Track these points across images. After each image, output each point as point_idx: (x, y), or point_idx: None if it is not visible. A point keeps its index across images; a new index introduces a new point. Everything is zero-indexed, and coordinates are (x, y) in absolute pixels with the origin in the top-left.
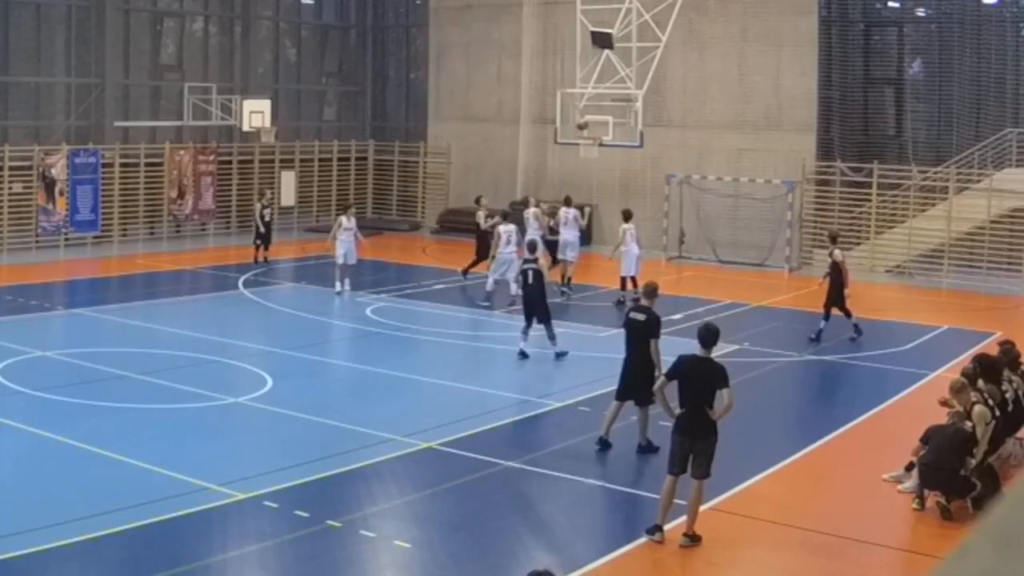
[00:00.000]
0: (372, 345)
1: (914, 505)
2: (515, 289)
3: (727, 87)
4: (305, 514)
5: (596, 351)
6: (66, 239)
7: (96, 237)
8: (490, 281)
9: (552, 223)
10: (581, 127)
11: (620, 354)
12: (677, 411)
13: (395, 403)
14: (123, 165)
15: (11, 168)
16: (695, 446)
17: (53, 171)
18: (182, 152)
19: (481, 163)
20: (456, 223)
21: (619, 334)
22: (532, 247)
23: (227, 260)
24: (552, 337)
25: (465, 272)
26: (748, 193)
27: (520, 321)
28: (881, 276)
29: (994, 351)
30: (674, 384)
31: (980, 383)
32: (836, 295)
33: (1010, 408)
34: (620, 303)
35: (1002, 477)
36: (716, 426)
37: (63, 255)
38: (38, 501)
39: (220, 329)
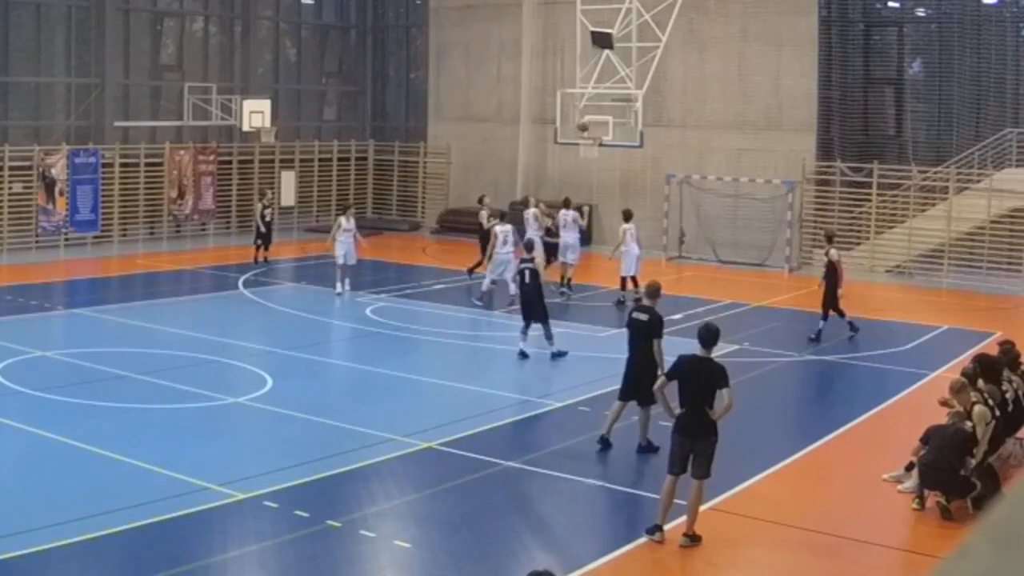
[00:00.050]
0: (372, 345)
1: (914, 505)
2: (513, 289)
3: (727, 87)
4: (305, 514)
5: (596, 351)
6: (66, 239)
7: (96, 237)
8: (487, 281)
9: (552, 224)
10: (582, 128)
11: (620, 354)
12: (677, 411)
13: (395, 403)
14: (123, 165)
15: (11, 168)
16: (695, 446)
17: (53, 171)
18: (182, 152)
19: (481, 163)
20: (456, 223)
21: (619, 334)
22: (529, 246)
23: (227, 260)
24: (549, 337)
25: (471, 272)
26: (748, 193)
27: (519, 321)
28: (881, 276)
29: (994, 351)
30: (674, 384)
31: (980, 383)
32: (831, 295)
33: (1010, 408)
34: (620, 303)
35: (1002, 477)
36: (716, 426)
37: (63, 255)
38: (38, 501)
39: (220, 329)
